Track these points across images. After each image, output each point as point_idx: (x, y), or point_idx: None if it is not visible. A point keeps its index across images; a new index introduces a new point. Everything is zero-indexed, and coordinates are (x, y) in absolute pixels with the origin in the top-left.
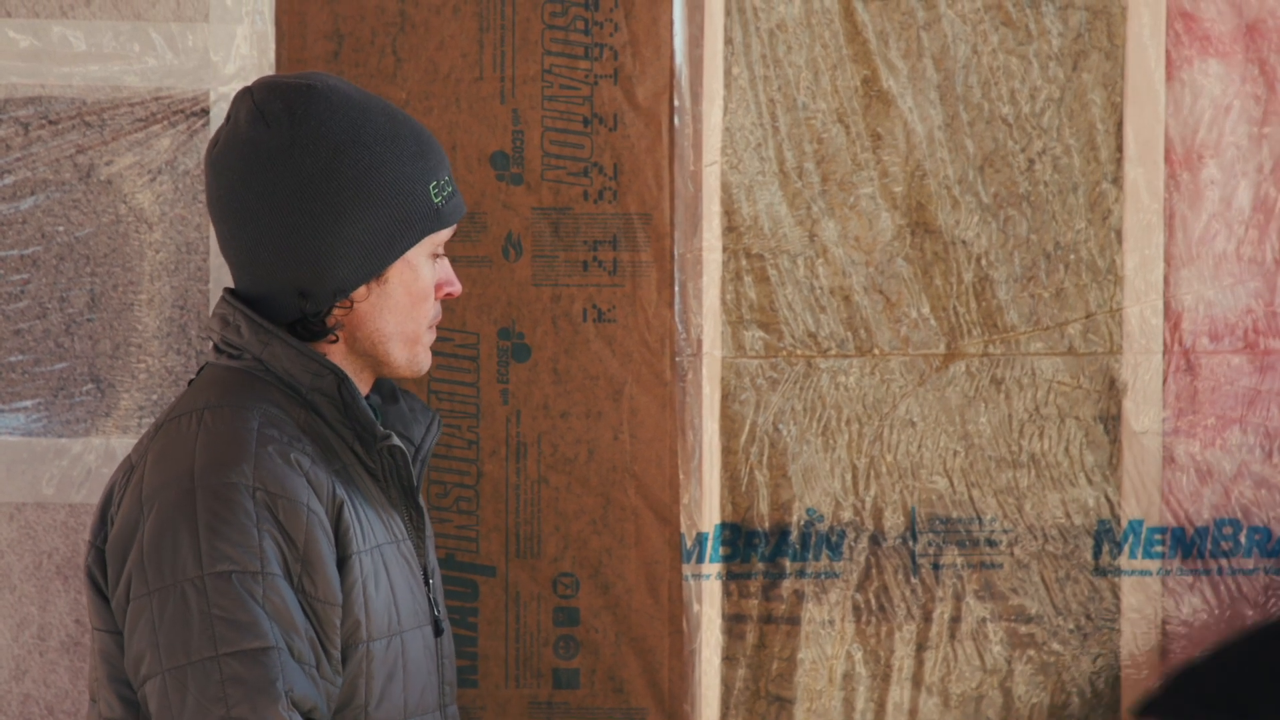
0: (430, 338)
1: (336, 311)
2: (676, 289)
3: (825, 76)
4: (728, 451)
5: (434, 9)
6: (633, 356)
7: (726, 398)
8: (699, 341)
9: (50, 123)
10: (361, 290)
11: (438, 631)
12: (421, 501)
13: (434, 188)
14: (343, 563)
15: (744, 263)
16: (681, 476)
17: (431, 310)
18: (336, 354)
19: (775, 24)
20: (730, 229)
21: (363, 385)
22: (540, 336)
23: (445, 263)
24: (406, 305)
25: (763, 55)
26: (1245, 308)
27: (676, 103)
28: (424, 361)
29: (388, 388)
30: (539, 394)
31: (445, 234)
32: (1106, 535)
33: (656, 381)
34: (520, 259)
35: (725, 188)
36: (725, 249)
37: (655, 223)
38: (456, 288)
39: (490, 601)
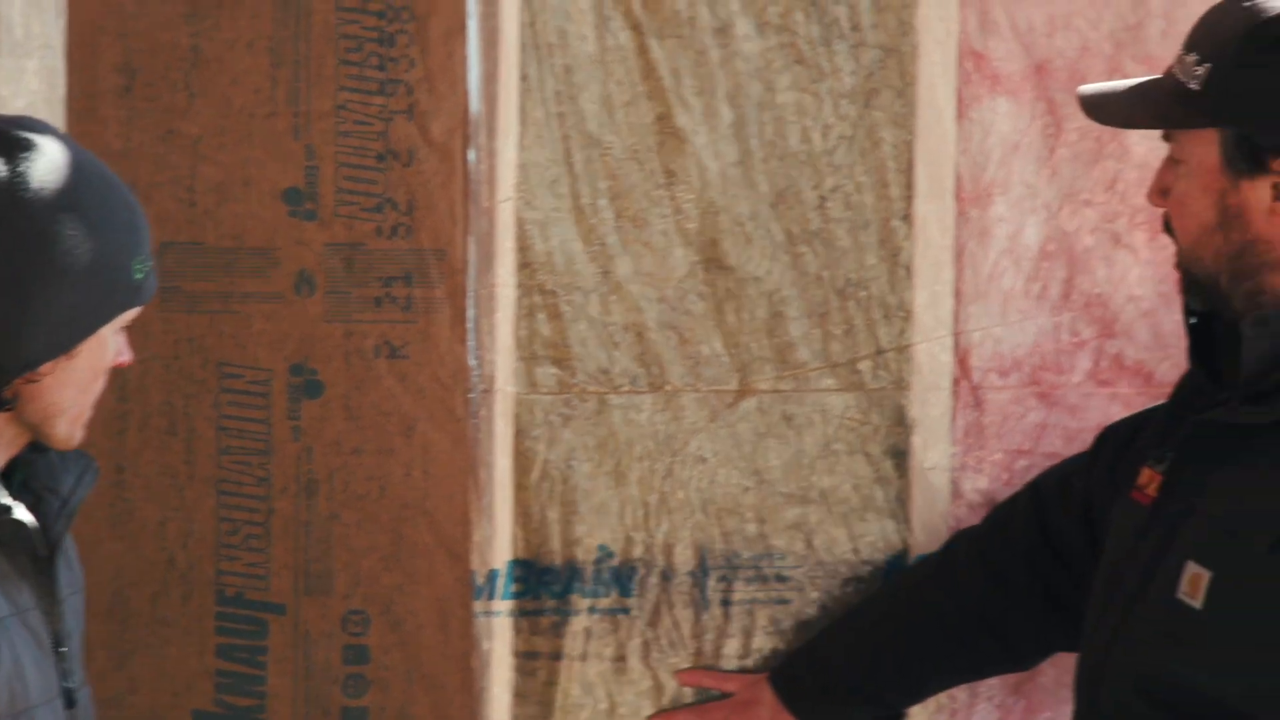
0: (90, 413)
1: (17, 383)
2: (470, 325)
3: (620, 113)
4: (520, 488)
5: (227, 44)
6: (425, 393)
7: (519, 434)
8: (492, 378)
9: None
10: (49, 364)
11: (69, 703)
12: (64, 562)
13: (137, 263)
14: None
15: (537, 299)
16: (473, 513)
17: (103, 385)
18: None
19: (570, 61)
20: (524, 265)
21: (12, 448)
22: (332, 373)
23: (123, 334)
24: (88, 380)
25: (557, 92)
26: (1032, 343)
27: (471, 139)
28: (79, 436)
29: None
30: (331, 430)
31: (136, 311)
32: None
33: (449, 418)
34: (313, 295)
35: (519, 224)
36: (519, 285)
37: (449, 259)
38: (128, 357)
39: (279, 639)
